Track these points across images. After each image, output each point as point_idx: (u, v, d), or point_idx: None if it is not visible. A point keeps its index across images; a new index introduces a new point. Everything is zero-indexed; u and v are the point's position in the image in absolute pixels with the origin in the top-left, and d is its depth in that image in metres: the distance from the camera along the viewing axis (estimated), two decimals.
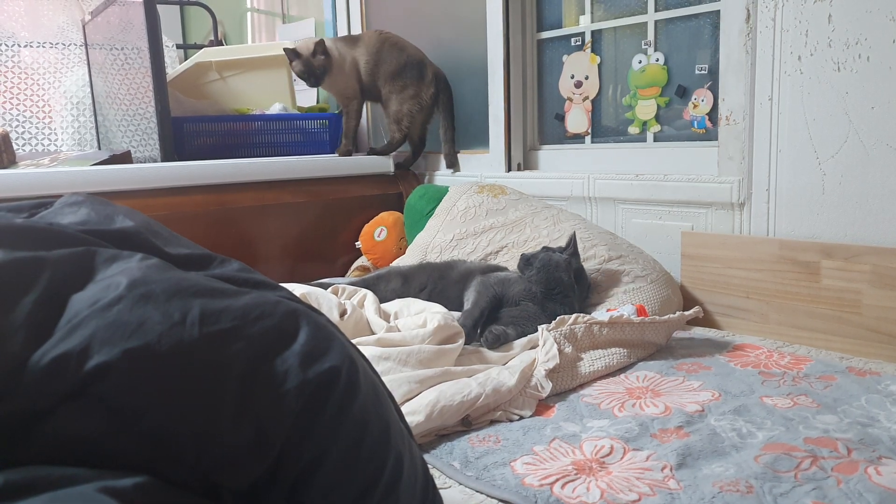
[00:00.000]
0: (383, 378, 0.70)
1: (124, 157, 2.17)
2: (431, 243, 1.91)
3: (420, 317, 1.33)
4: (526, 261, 1.49)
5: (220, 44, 3.36)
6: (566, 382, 1.20)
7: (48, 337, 0.47)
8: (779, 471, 0.87)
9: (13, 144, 2.20)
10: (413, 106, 2.27)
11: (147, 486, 0.44)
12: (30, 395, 0.44)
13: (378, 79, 2.26)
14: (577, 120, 2.02)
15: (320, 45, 2.18)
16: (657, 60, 1.81)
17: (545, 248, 1.53)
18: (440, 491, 0.67)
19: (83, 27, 2.94)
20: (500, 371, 1.17)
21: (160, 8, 2.18)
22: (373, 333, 1.32)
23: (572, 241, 1.52)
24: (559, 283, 1.45)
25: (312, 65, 2.19)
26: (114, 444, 0.45)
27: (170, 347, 0.48)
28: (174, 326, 0.50)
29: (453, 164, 2.30)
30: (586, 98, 1.99)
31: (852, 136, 1.39)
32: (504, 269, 1.63)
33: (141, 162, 2.22)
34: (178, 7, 3.67)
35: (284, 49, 2.21)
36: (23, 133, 2.87)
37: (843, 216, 1.42)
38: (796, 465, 0.88)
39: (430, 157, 2.39)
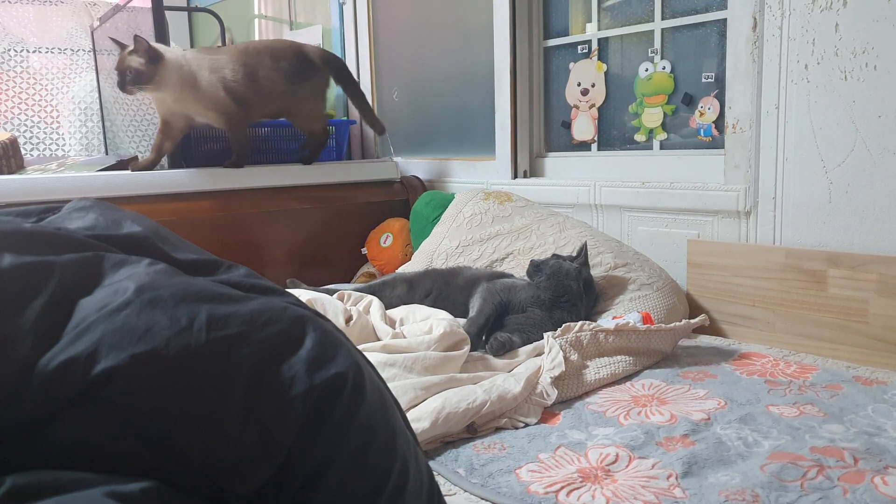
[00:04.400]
0: (389, 384, 0.70)
1: (131, 163, 2.18)
2: (437, 250, 1.91)
3: (425, 323, 1.33)
4: (536, 267, 1.49)
5: None
6: (572, 390, 1.20)
7: (56, 341, 0.47)
8: (785, 480, 0.87)
9: (21, 149, 2.21)
10: (323, 103, 2.14)
11: (153, 491, 0.44)
12: (37, 399, 0.44)
13: (262, 92, 2.00)
14: (583, 127, 2.03)
15: (142, 44, 1.81)
16: (664, 68, 1.82)
17: (555, 256, 1.53)
18: (445, 498, 0.67)
19: (91, 33, 2.96)
20: (505, 378, 1.16)
21: (168, 14, 2.19)
22: (378, 340, 1.32)
23: (583, 251, 1.52)
24: (568, 291, 1.45)
25: (122, 64, 1.83)
26: (120, 448, 0.46)
27: (177, 352, 0.49)
28: (181, 332, 0.50)
29: (383, 129, 2.27)
30: (593, 106, 1.99)
31: (859, 144, 1.39)
32: (510, 275, 1.63)
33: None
34: (185, 13, 3.69)
35: (112, 38, 1.93)
36: (31, 138, 2.89)
37: (849, 225, 1.42)
38: (802, 474, 0.88)
39: (435, 164, 2.39)
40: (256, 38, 3.35)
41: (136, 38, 1.81)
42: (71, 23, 3.01)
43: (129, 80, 1.83)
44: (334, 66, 2.16)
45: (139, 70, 1.82)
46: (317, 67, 2.10)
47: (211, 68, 1.93)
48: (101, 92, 2.86)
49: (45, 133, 2.94)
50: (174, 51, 1.93)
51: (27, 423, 0.44)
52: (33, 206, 0.66)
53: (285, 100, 2.07)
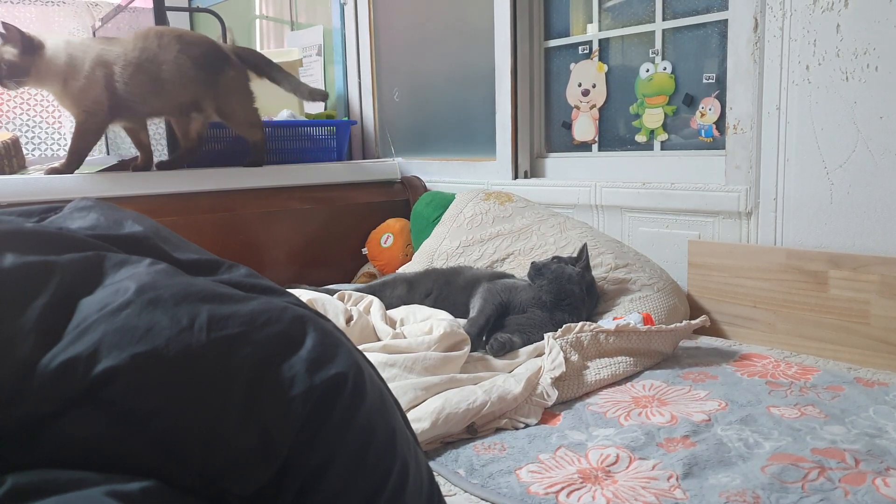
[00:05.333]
0: (389, 385, 0.70)
1: (132, 164, 2.18)
2: (438, 250, 1.91)
3: (426, 323, 1.33)
4: (537, 270, 1.48)
5: None
6: (572, 391, 1.20)
7: (57, 341, 0.47)
8: (786, 482, 0.87)
9: (23, 149, 2.21)
10: (248, 98, 2.00)
11: (154, 491, 0.44)
12: (38, 398, 0.45)
13: (163, 80, 1.84)
14: (584, 128, 2.03)
15: (12, 32, 1.66)
16: (665, 69, 1.82)
17: (556, 258, 1.52)
18: (446, 498, 0.67)
19: (93, 33, 2.97)
20: (505, 379, 1.16)
21: (169, 14, 2.20)
22: (379, 340, 1.32)
23: (585, 254, 1.51)
24: (570, 295, 1.45)
25: None
26: (121, 448, 0.46)
27: (177, 352, 0.49)
28: (182, 331, 0.50)
29: (325, 95, 2.18)
30: (593, 106, 1.99)
31: (860, 145, 1.39)
32: (510, 276, 1.63)
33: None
34: (187, 14, 3.70)
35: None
36: (32, 138, 2.90)
37: (851, 226, 1.42)
38: (803, 475, 0.88)
39: (436, 164, 2.39)
40: (258, 39, 3.35)
41: (5, 26, 1.65)
42: (73, 23, 3.02)
43: (4, 74, 1.67)
44: (250, 59, 2.04)
45: (13, 62, 1.65)
46: (231, 61, 1.96)
47: (98, 60, 1.74)
48: None
49: (46, 133, 2.95)
50: (59, 40, 1.74)
51: (28, 422, 0.44)
52: (35, 205, 0.66)
53: (197, 88, 1.90)
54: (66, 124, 2.95)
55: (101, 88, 1.75)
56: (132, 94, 1.81)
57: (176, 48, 1.84)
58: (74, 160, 1.85)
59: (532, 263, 1.51)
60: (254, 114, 2.06)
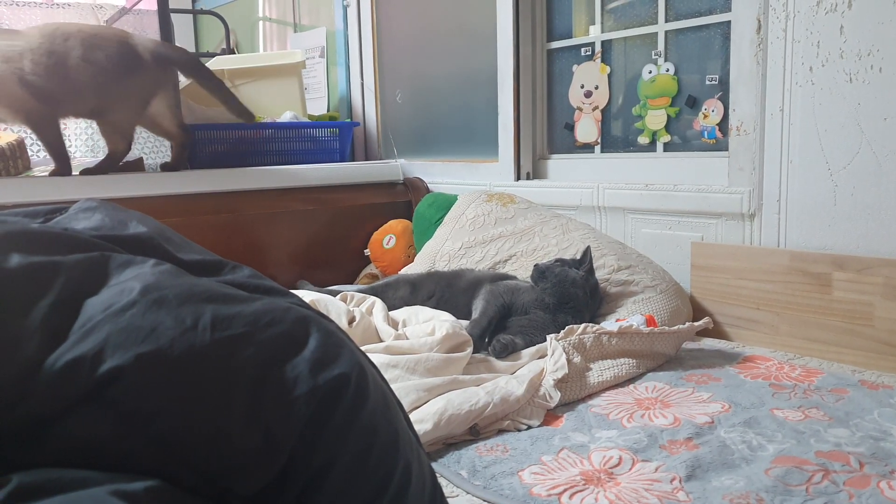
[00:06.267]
0: (391, 386, 0.70)
1: (137, 164, 2.20)
2: (440, 251, 1.91)
3: (428, 325, 1.33)
4: (540, 273, 1.48)
5: (232, 52, 3.38)
6: (575, 392, 1.20)
7: (63, 341, 0.47)
8: (790, 484, 0.86)
9: (28, 150, 2.22)
10: (139, 110, 1.87)
11: (158, 490, 0.44)
12: (44, 398, 0.45)
13: (73, 85, 1.74)
14: (586, 129, 2.03)
15: None
16: (667, 71, 1.81)
17: (560, 261, 1.52)
18: (448, 500, 0.67)
19: None
20: (508, 380, 1.16)
21: (173, 16, 2.20)
22: (381, 341, 1.32)
23: (588, 257, 1.51)
24: (573, 298, 1.44)
25: None
26: (125, 447, 0.46)
27: (181, 352, 0.49)
28: (186, 332, 0.50)
29: (251, 117, 2.09)
30: (596, 108, 1.99)
31: (864, 147, 1.39)
32: (513, 277, 1.62)
33: (153, 169, 2.24)
34: (191, 16, 3.71)
35: None
36: (37, 139, 2.90)
37: (855, 228, 1.42)
38: (807, 478, 0.88)
39: (438, 165, 2.39)
40: (260, 41, 3.36)
41: None
42: None
43: None
44: (177, 62, 1.92)
45: None
46: (144, 64, 1.81)
47: (4, 56, 1.64)
48: None
49: None
50: None
51: (33, 421, 0.44)
52: (40, 206, 0.67)
53: (97, 97, 1.78)
54: (71, 126, 2.96)
55: (17, 86, 1.66)
56: (46, 95, 1.72)
57: (79, 53, 1.72)
58: (57, 159, 1.81)
59: (535, 266, 1.50)
60: (131, 128, 1.91)
